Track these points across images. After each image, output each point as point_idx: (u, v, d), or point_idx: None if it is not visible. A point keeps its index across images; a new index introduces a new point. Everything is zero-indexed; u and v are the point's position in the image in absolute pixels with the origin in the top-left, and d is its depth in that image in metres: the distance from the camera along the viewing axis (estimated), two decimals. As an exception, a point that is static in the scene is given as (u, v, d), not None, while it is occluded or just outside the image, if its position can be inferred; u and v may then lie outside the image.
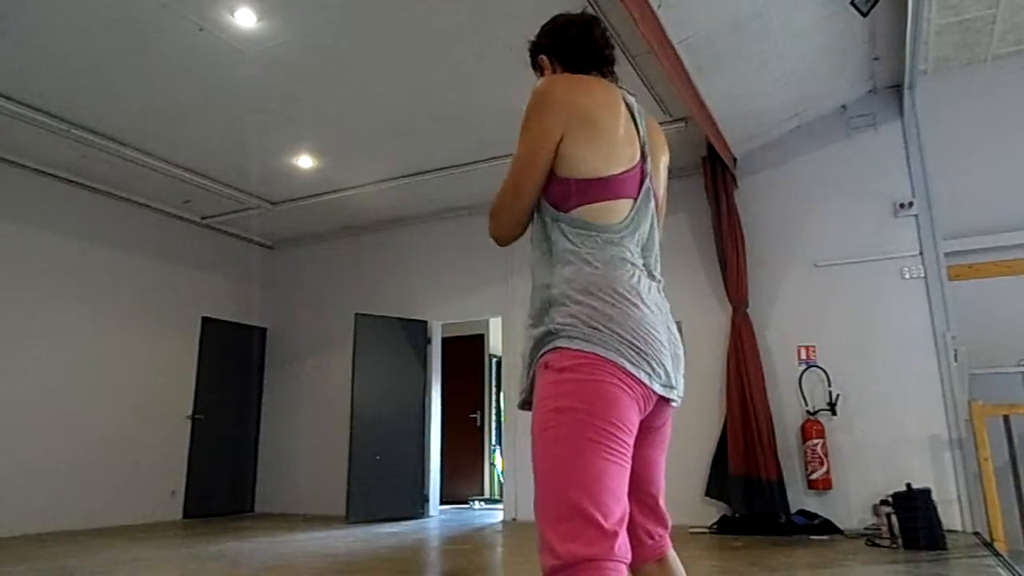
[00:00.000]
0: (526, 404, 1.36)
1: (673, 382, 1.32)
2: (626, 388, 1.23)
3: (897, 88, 5.84)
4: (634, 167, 1.34)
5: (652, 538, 1.40)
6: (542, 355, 1.28)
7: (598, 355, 1.21)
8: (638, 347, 1.24)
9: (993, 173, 5.58)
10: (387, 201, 7.42)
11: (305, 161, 6.40)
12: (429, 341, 7.56)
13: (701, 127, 5.41)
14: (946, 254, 5.52)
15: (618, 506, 1.19)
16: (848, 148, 5.97)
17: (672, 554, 1.42)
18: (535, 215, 1.39)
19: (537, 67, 1.57)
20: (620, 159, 1.32)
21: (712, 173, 6.09)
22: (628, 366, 1.22)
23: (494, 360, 9.39)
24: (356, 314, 7.14)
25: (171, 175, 6.52)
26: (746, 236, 6.02)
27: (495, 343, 9.24)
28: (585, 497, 1.16)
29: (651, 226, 1.38)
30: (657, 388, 1.27)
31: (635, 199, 1.33)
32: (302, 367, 8.16)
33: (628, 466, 1.23)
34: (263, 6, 4.21)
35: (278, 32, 4.47)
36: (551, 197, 1.32)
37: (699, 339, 6.03)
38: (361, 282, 8.07)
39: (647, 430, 1.34)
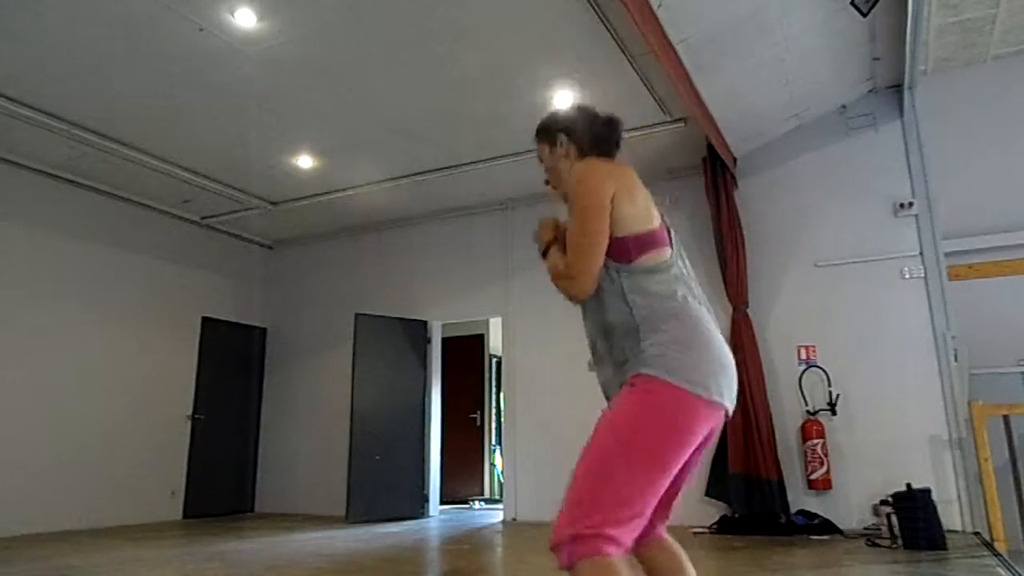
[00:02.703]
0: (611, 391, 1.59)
1: (735, 394, 1.55)
2: (703, 417, 1.45)
3: (897, 88, 5.84)
4: (663, 225, 1.65)
5: (658, 525, 1.62)
6: (629, 369, 1.51)
7: (683, 389, 1.43)
8: (720, 376, 1.48)
9: (993, 173, 5.58)
10: (387, 201, 7.42)
11: (305, 161, 6.40)
12: (429, 341, 7.56)
13: (701, 127, 5.42)
14: (946, 254, 5.52)
15: (649, 510, 1.42)
16: (848, 148, 5.97)
17: (668, 536, 1.66)
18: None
19: (550, 140, 1.81)
20: (654, 217, 1.62)
21: (712, 173, 6.09)
22: (712, 395, 1.45)
23: (494, 360, 9.39)
24: (356, 314, 7.15)
25: (171, 175, 6.52)
26: (746, 236, 6.02)
27: (495, 343, 9.24)
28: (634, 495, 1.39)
29: (687, 268, 1.68)
30: (728, 405, 1.50)
31: (671, 245, 1.64)
32: (302, 367, 8.16)
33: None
34: (263, 6, 4.21)
35: (278, 32, 4.47)
36: (613, 255, 1.58)
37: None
38: (361, 282, 8.07)
39: (703, 444, 1.55)
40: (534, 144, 1.89)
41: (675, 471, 1.44)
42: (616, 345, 1.57)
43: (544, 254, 1.70)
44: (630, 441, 1.41)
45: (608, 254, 1.57)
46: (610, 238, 1.57)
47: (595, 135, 1.76)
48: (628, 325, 1.54)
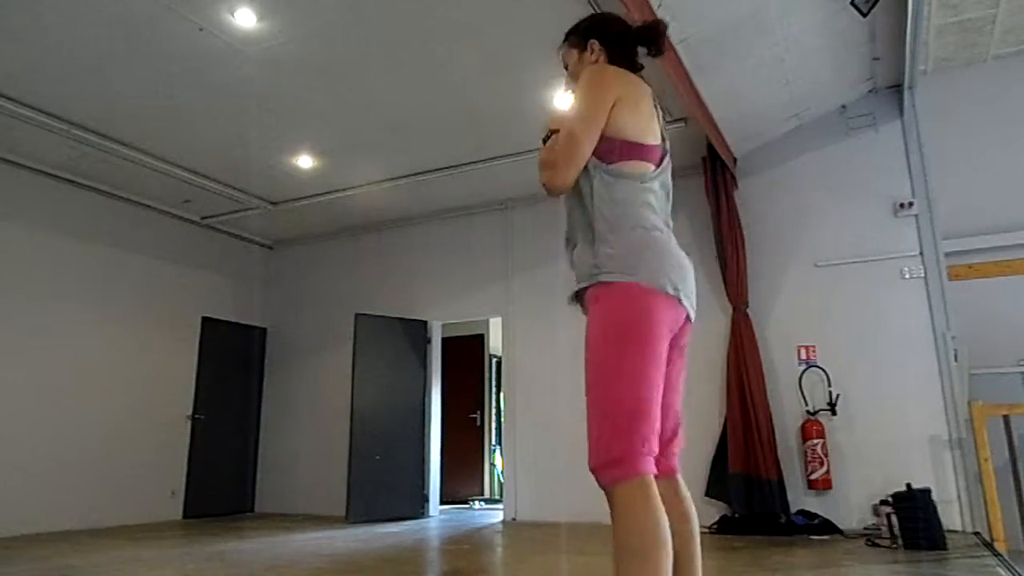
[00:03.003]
0: (575, 301, 1.67)
1: (694, 300, 1.62)
2: (662, 307, 1.50)
3: (897, 88, 5.84)
4: (659, 145, 1.67)
5: (667, 455, 1.64)
6: (592, 286, 1.55)
7: (641, 285, 1.49)
8: (671, 273, 1.53)
9: (993, 173, 5.58)
10: (387, 201, 7.42)
11: (305, 161, 6.40)
12: (429, 341, 7.56)
13: (701, 127, 5.42)
14: (946, 254, 5.52)
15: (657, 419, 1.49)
16: (848, 148, 5.97)
17: (679, 477, 1.69)
18: None
19: (580, 45, 1.79)
20: (652, 135, 1.64)
21: (712, 173, 6.10)
22: (666, 288, 1.51)
23: (494, 360, 9.39)
24: (356, 314, 7.15)
25: (171, 175, 6.52)
26: (746, 236, 6.02)
27: (495, 343, 9.24)
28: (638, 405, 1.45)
29: (668, 192, 1.71)
30: (687, 305, 1.56)
31: (658, 166, 1.66)
32: (302, 367, 8.16)
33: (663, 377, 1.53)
34: (263, 6, 4.21)
35: (278, 32, 4.47)
36: (598, 152, 1.59)
37: (699, 339, 6.02)
38: (361, 282, 8.07)
39: (673, 348, 1.61)
40: (559, 48, 1.85)
41: (663, 364, 1.50)
42: (578, 237, 1.62)
43: (544, 141, 1.68)
44: (610, 356, 1.47)
45: (593, 151, 1.58)
46: (600, 136, 1.58)
47: (631, 49, 1.77)
48: (590, 224, 1.58)
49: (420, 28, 4.46)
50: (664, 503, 1.50)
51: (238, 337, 8.12)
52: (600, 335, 1.50)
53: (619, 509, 1.40)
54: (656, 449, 1.46)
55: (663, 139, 1.70)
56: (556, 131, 1.65)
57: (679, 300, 1.53)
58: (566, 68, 1.83)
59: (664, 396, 1.57)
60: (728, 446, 5.59)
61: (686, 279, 1.58)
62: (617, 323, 1.48)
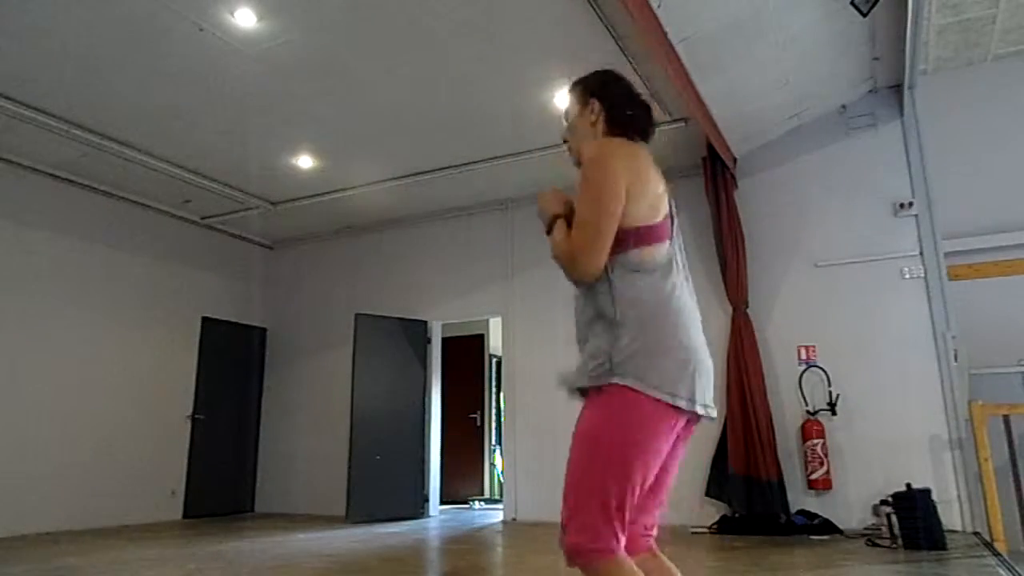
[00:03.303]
0: (576, 393, 1.61)
1: (711, 401, 1.55)
2: (669, 421, 1.48)
3: (897, 88, 5.83)
4: (667, 216, 1.64)
5: (647, 532, 1.65)
6: (600, 383, 1.51)
7: (654, 399, 1.46)
8: (692, 382, 1.49)
9: (993, 173, 5.58)
10: (387, 201, 7.42)
11: (305, 161, 6.40)
12: (429, 341, 7.56)
13: (701, 127, 5.42)
14: (946, 254, 5.51)
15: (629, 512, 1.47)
16: (848, 148, 5.97)
17: (659, 551, 1.68)
18: None
19: (583, 101, 1.78)
20: (662, 208, 1.61)
21: (712, 173, 6.09)
22: (677, 400, 1.47)
23: (494, 360, 9.39)
24: (356, 314, 7.15)
25: (171, 175, 6.52)
26: (746, 236, 6.02)
27: (495, 343, 9.24)
28: (616, 500, 1.45)
29: (680, 246, 1.69)
30: (699, 410, 1.51)
31: (671, 238, 1.64)
32: (302, 367, 8.16)
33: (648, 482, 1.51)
34: (263, 6, 4.21)
35: (278, 32, 4.47)
36: (612, 244, 1.57)
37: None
38: (361, 282, 8.07)
39: (676, 440, 1.58)
40: (564, 98, 1.84)
41: (653, 471, 1.49)
42: (591, 333, 1.58)
43: (549, 230, 1.65)
44: (600, 454, 1.46)
45: None
46: None
47: (631, 116, 1.73)
48: (607, 319, 1.54)
49: (420, 28, 4.46)
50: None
51: (238, 337, 8.12)
52: (601, 428, 1.48)
53: None
54: (624, 535, 1.47)
55: (669, 202, 1.68)
56: (558, 215, 1.64)
57: (693, 411, 1.51)
58: (566, 117, 1.84)
59: (659, 474, 1.57)
60: (728, 446, 5.59)
61: (705, 381, 1.54)
62: (622, 425, 1.47)
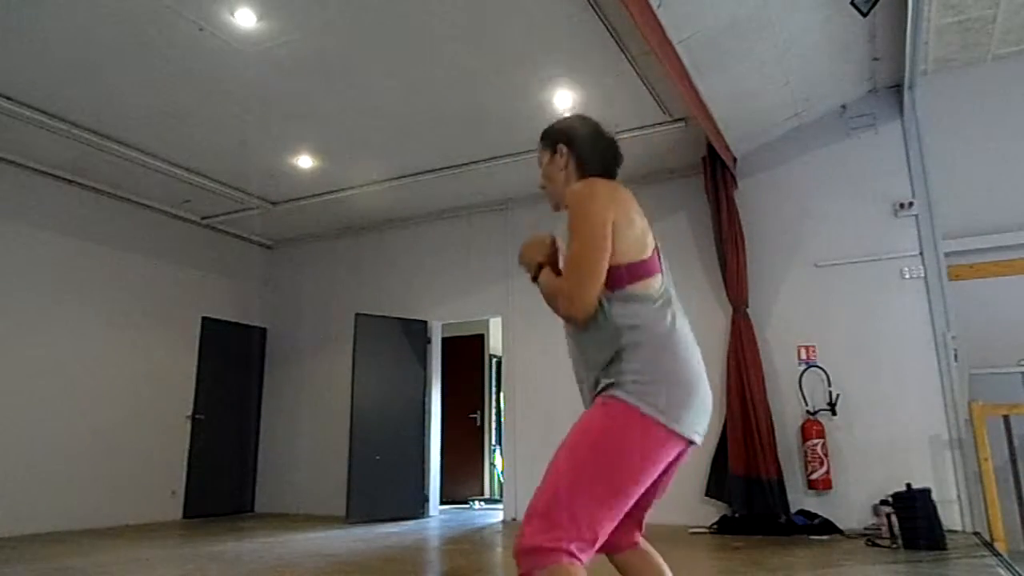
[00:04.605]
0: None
1: (707, 424, 1.58)
2: (667, 447, 1.49)
3: (897, 88, 5.84)
4: (655, 249, 1.67)
5: (633, 533, 1.68)
6: (605, 390, 1.53)
7: (651, 417, 1.47)
8: (689, 405, 1.50)
9: (993, 173, 5.58)
10: (387, 201, 7.42)
11: (305, 161, 6.40)
12: (429, 341, 7.56)
13: (701, 127, 5.42)
14: (946, 254, 5.52)
15: (608, 532, 1.45)
16: (848, 148, 5.97)
17: (644, 542, 1.71)
18: None
19: (551, 148, 1.82)
20: (649, 245, 1.63)
21: (712, 173, 6.09)
22: (680, 427, 1.48)
23: (494, 360, 9.39)
24: (356, 314, 7.15)
25: (171, 175, 6.52)
26: (746, 236, 6.02)
27: (495, 343, 9.24)
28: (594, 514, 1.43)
29: (674, 292, 1.70)
30: (696, 439, 1.54)
31: (661, 272, 1.66)
32: (302, 367, 8.16)
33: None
34: (263, 6, 4.21)
35: (278, 32, 4.47)
36: (606, 282, 1.59)
37: (699, 339, 5.98)
38: (361, 282, 8.07)
39: (670, 465, 1.59)
40: (537, 147, 1.86)
41: (636, 495, 1.47)
42: (596, 370, 1.58)
43: (535, 278, 1.69)
44: (592, 465, 1.44)
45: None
46: None
47: (599, 153, 1.77)
48: (611, 352, 1.55)
49: (420, 28, 4.46)
50: (637, 571, 1.61)
51: (238, 337, 8.12)
52: (595, 443, 1.47)
53: None
54: (588, 557, 1.44)
55: (653, 237, 1.70)
56: (542, 264, 1.67)
57: (692, 440, 1.53)
58: (540, 165, 1.88)
59: (648, 488, 1.59)
60: (728, 446, 5.59)
61: (705, 412, 1.56)
62: (617, 446, 1.46)
